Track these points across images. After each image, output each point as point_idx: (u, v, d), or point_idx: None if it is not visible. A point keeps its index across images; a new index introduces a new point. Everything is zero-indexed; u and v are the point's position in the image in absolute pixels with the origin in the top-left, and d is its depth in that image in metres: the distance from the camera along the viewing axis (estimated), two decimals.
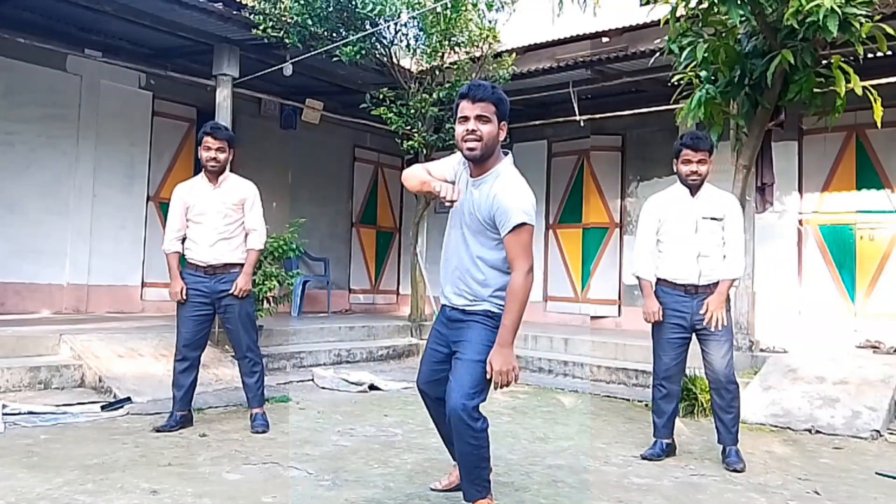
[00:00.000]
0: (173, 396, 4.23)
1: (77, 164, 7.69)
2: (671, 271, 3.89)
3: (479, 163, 2.68)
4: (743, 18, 4.81)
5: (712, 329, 3.78)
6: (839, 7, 4.43)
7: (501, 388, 2.63)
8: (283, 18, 7.00)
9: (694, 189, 3.90)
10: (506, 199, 2.60)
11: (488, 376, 2.61)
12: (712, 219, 3.85)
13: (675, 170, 3.95)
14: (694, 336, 3.94)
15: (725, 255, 3.86)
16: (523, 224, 2.59)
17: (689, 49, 5.22)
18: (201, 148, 4.19)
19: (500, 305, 2.68)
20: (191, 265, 4.23)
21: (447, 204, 2.66)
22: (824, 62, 5.20)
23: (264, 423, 4.23)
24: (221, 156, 4.18)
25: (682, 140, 3.91)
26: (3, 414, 4.17)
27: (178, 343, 4.23)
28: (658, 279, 3.97)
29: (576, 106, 8.23)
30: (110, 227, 7.94)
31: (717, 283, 3.83)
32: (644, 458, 3.91)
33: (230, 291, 4.19)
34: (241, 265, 4.31)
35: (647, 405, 4.06)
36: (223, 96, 6.98)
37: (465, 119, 2.64)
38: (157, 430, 4.06)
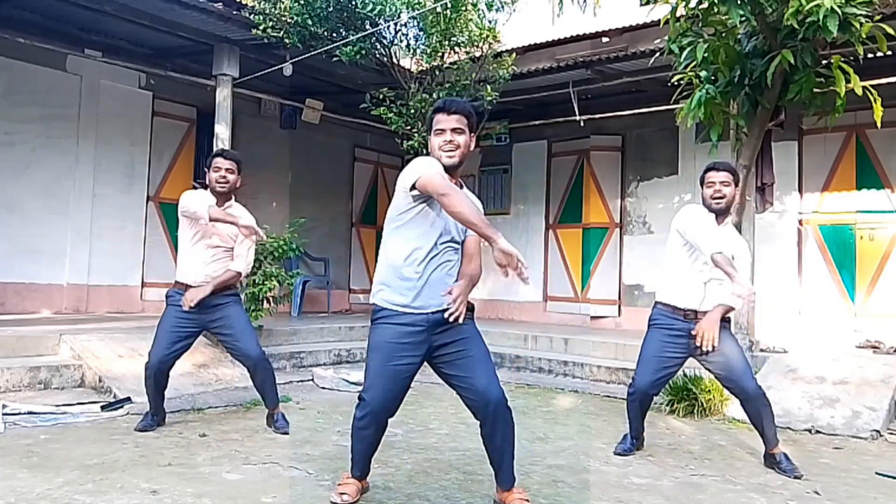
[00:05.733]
0: (148, 397, 4.12)
1: (77, 164, 7.69)
2: (675, 296, 3.85)
3: (455, 171, 2.85)
4: (743, 18, 4.81)
5: (705, 349, 3.71)
6: (839, 7, 4.43)
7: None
8: (283, 18, 7.00)
9: (720, 215, 3.82)
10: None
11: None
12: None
13: (701, 198, 3.88)
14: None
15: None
16: None
17: (689, 49, 5.22)
18: (211, 170, 4.15)
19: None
20: (181, 285, 4.12)
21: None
22: (824, 62, 5.19)
23: (286, 422, 4.20)
24: (231, 176, 4.16)
25: (706, 167, 3.91)
26: (3, 414, 4.17)
27: (151, 353, 4.03)
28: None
29: (576, 106, 8.22)
30: (110, 227, 7.93)
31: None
32: (617, 453, 3.92)
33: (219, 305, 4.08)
34: (232, 287, 4.22)
35: None
36: (223, 96, 6.98)
37: (442, 131, 2.82)
38: (137, 430, 4.02)
